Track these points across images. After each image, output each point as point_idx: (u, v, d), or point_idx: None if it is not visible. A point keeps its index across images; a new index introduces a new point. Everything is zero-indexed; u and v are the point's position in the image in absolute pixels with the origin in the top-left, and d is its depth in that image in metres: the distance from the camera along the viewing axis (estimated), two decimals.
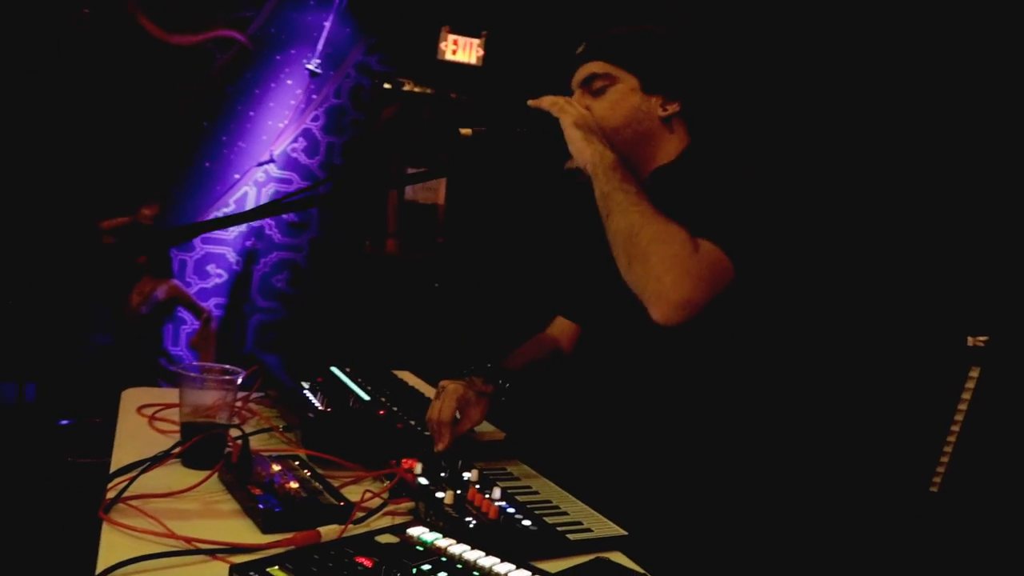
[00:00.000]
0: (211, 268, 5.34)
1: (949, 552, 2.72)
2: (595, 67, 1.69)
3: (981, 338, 2.71)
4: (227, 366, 1.49)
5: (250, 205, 5.33)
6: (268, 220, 5.37)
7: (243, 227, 5.33)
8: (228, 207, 5.29)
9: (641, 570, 1.25)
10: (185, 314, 5.19)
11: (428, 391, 1.98)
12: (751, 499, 1.68)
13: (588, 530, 1.32)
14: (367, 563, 1.04)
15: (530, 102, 1.68)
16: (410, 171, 5.76)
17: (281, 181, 5.40)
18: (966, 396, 2.77)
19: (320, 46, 5.26)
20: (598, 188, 1.57)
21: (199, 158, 5.19)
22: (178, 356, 5.18)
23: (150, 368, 4.81)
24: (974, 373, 2.74)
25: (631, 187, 1.55)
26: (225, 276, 5.38)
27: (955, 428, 2.78)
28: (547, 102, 1.67)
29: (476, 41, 5.57)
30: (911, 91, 2.97)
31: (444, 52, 5.54)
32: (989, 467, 2.72)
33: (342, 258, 5.55)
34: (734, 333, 1.62)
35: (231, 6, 5.11)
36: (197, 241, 5.25)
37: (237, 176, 5.28)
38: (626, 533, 1.34)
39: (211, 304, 5.36)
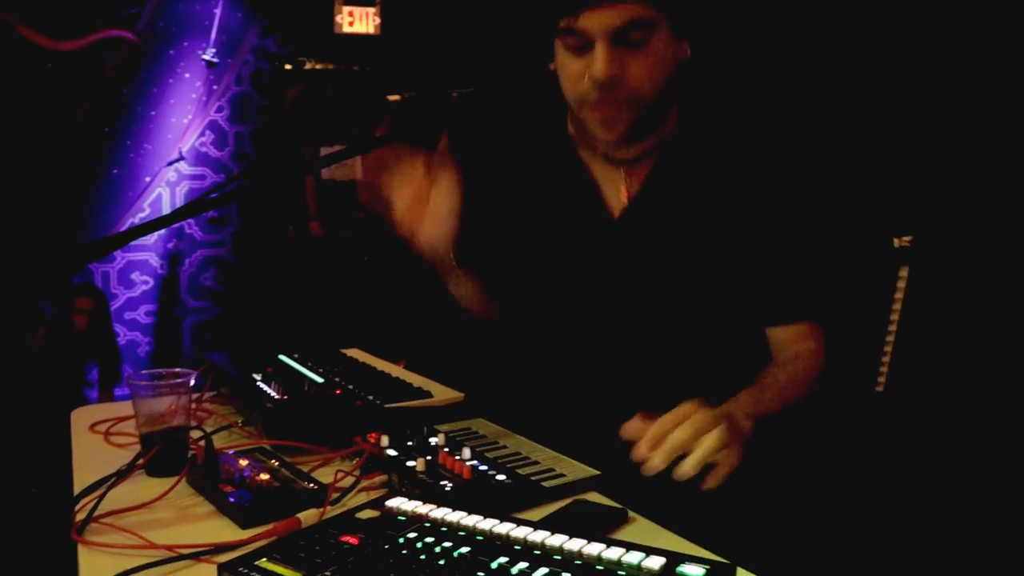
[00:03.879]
0: (135, 276, 5.23)
1: (898, 447, 2.82)
2: (636, 11, 1.36)
3: (906, 238, 2.79)
4: (177, 369, 1.47)
5: (165, 207, 5.23)
6: (188, 219, 5.26)
7: (163, 230, 5.22)
8: (144, 212, 5.17)
9: (618, 505, 1.28)
10: None
11: (379, 364, 1.98)
12: None
13: (561, 475, 1.35)
14: (353, 540, 1.04)
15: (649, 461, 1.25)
16: (324, 151, 5.72)
17: (194, 178, 5.30)
18: (899, 296, 2.86)
19: (213, 34, 5.14)
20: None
21: (106, 166, 5.06)
22: None
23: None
24: (903, 273, 2.83)
25: (776, 398, 1.48)
26: (151, 282, 5.28)
27: (892, 328, 2.88)
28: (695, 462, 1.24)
29: (372, 10, 5.49)
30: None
31: (341, 25, 5.46)
32: (928, 361, 2.83)
33: (268, 247, 5.47)
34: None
35: (115, 4, 4.96)
36: (117, 251, 5.13)
37: (148, 179, 5.16)
38: (599, 472, 1.36)
39: (141, 312, 5.25)
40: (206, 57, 5.14)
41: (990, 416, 2.70)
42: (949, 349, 2.81)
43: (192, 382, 1.47)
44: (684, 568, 0.98)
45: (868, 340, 2.93)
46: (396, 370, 1.91)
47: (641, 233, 1.62)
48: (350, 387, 1.73)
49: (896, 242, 2.83)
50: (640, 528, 1.24)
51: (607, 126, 1.49)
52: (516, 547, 1.03)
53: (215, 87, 5.27)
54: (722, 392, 1.65)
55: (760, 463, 1.76)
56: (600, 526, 1.21)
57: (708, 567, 0.98)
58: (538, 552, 1.01)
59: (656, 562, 0.98)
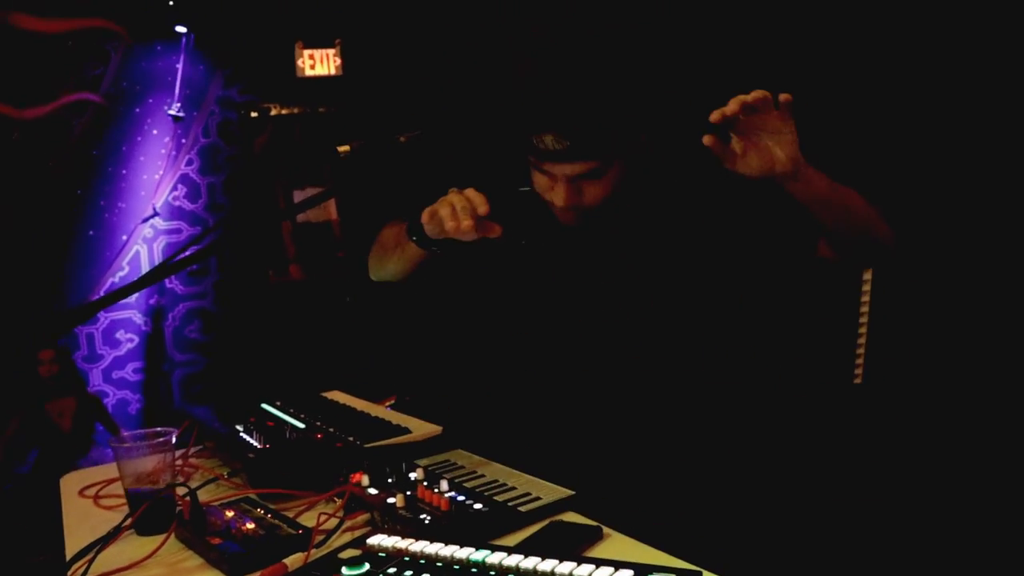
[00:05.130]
0: (120, 335, 5.26)
1: (880, 438, 2.87)
2: (590, 164, 1.56)
3: None
4: (159, 428, 1.51)
5: (144, 264, 5.25)
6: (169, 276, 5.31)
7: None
8: (123, 271, 5.20)
9: (594, 523, 1.32)
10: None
11: (359, 405, 2.02)
12: (691, 435, 1.76)
13: (537, 498, 1.39)
14: None
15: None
16: (297, 194, 5.77)
17: (170, 232, 5.33)
18: (867, 288, 2.93)
19: (177, 89, 5.19)
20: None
21: (81, 228, 5.09)
22: None
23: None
24: None
25: (828, 182, 1.50)
26: (136, 339, 5.30)
27: (863, 320, 2.94)
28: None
29: (331, 51, 5.55)
30: None
31: (303, 69, 5.51)
32: (902, 350, 2.89)
33: (249, 294, 5.51)
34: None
35: (77, 68, 5.00)
36: (100, 312, 5.16)
37: (125, 237, 5.20)
38: (573, 492, 1.41)
39: (129, 370, 5.28)
40: (172, 112, 5.18)
41: (968, 400, 2.76)
42: (921, 337, 2.87)
43: (174, 440, 1.50)
44: None
45: (842, 334, 2.99)
46: (376, 409, 1.95)
47: (608, 244, 1.72)
48: (331, 430, 1.77)
49: None
50: (615, 543, 1.28)
51: (567, 222, 1.68)
52: (491, 573, 1.07)
53: (183, 141, 5.32)
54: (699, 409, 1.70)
55: (742, 463, 1.81)
56: (575, 545, 1.25)
57: (674, 574, 1.03)
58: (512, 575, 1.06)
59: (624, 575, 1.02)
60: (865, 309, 2.93)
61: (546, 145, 1.53)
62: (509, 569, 1.07)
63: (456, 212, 1.52)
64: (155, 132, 5.25)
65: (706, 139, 1.40)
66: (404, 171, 1.67)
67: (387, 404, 2.07)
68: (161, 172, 5.27)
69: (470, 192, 1.54)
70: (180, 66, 5.19)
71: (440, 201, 1.57)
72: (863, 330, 2.95)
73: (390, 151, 1.59)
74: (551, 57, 1.57)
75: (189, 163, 5.36)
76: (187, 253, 1.54)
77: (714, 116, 1.38)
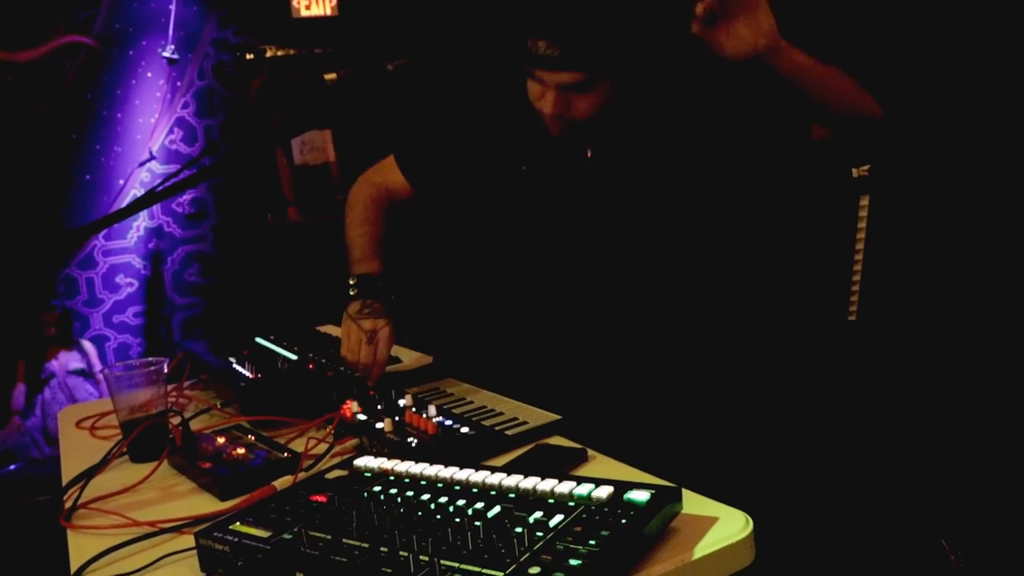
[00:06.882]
0: (120, 279, 5.26)
1: (874, 375, 2.88)
2: (580, 75, 1.58)
3: (864, 168, 2.84)
4: (150, 358, 1.53)
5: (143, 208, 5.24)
6: (166, 217, 5.30)
7: (142, 231, 5.25)
8: None
9: (578, 445, 1.34)
10: None
11: None
12: (678, 365, 1.78)
13: (524, 423, 1.41)
14: (322, 499, 1.11)
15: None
16: (295, 142, 5.72)
17: (167, 176, 5.31)
18: (862, 225, 2.92)
19: (171, 31, 5.13)
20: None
21: (77, 173, 5.07)
22: None
23: None
24: (864, 202, 2.89)
25: (808, 57, 1.55)
26: (136, 283, 5.31)
27: (858, 258, 2.94)
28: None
29: None
30: None
31: (298, 9, 5.44)
32: (897, 288, 2.89)
33: (248, 237, 5.50)
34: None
35: (68, 9, 4.94)
36: (99, 256, 5.16)
37: (121, 182, 5.18)
38: (560, 417, 1.42)
39: (129, 314, 5.30)
40: (166, 54, 5.14)
41: (961, 337, 2.77)
42: (917, 274, 2.87)
43: (166, 369, 1.52)
44: (631, 494, 1.04)
45: (837, 271, 2.99)
46: None
47: (612, 168, 1.74)
48: (323, 361, 1.79)
49: (855, 172, 2.89)
50: (600, 465, 1.30)
51: (554, 131, 1.69)
52: (474, 490, 1.09)
53: (179, 83, 5.28)
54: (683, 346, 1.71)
55: (737, 397, 1.83)
56: (561, 466, 1.27)
57: (653, 491, 1.04)
58: (494, 493, 1.08)
59: (605, 491, 1.04)
60: (861, 247, 2.93)
61: (539, 50, 1.56)
62: (492, 486, 1.09)
63: (361, 366, 1.66)
64: (149, 75, 5.20)
65: (694, 26, 1.46)
66: (395, 102, 1.67)
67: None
68: (157, 115, 5.23)
69: (381, 351, 1.66)
70: (173, 7, 5.13)
71: (349, 344, 1.68)
72: (858, 267, 2.96)
73: (378, 80, 1.59)
74: None
75: (185, 106, 5.32)
76: (178, 179, 1.55)
77: (699, 9, 1.44)
